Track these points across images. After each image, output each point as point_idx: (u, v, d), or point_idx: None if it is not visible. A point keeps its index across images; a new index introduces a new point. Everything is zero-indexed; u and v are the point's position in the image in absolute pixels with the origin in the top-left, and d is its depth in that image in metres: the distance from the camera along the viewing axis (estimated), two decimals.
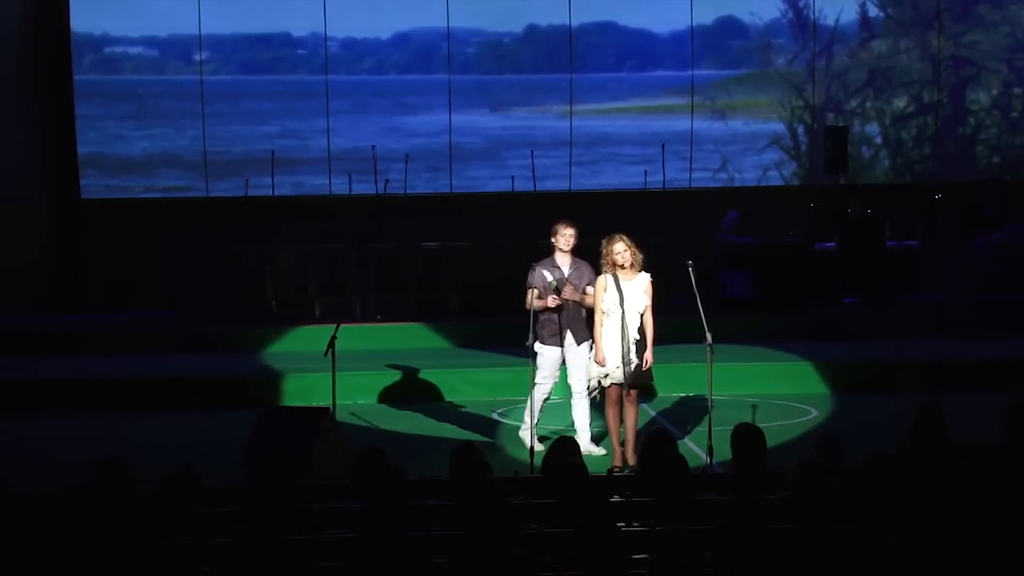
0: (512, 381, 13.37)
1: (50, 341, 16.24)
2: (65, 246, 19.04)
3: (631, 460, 10.26)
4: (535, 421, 10.92)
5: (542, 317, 11.00)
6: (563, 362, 11.10)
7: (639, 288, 10.46)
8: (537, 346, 11.00)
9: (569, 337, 11.01)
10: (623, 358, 10.38)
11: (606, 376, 10.47)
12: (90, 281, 18.76)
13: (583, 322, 11.00)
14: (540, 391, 11.12)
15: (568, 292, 10.92)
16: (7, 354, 15.38)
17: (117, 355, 15.60)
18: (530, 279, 11.05)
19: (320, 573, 6.50)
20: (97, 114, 19.53)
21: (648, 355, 10.47)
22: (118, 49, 19.82)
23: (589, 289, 10.87)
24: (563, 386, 11.38)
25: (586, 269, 11.05)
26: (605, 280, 10.49)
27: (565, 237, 11.11)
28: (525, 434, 10.95)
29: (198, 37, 19.34)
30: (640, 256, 10.53)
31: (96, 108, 19.53)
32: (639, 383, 10.60)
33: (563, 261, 11.12)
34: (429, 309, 17.25)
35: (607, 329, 10.46)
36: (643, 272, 10.53)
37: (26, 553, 6.34)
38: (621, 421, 10.57)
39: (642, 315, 10.46)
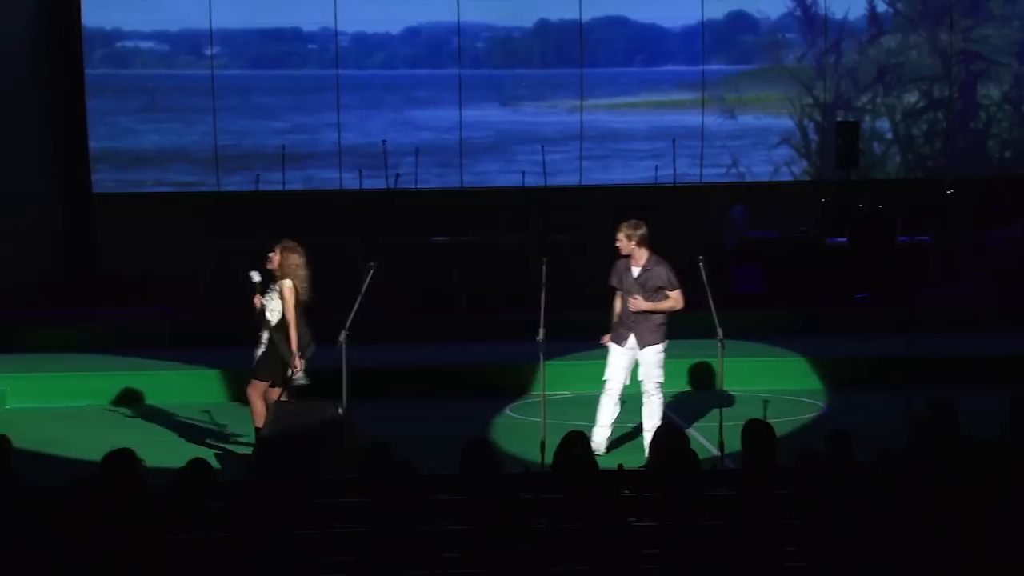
0: (522, 376, 13.37)
1: (61, 335, 16.26)
2: (77, 240, 19.07)
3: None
4: (603, 422, 10.68)
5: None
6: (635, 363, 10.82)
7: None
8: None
9: (632, 340, 10.72)
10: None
11: None
12: (102, 275, 18.78)
13: (651, 325, 10.67)
14: (605, 393, 10.80)
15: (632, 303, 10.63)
16: (16, 348, 15.42)
17: (127, 350, 15.63)
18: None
19: (331, 567, 6.49)
20: (108, 109, 19.57)
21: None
22: (129, 44, 19.85)
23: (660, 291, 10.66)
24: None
25: (661, 268, 10.69)
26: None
27: (619, 241, 10.68)
28: (592, 433, 10.45)
29: (209, 32, 19.36)
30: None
31: (107, 103, 19.57)
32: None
33: (632, 263, 10.70)
34: (438, 303, 17.25)
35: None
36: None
37: (38, 547, 6.35)
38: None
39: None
